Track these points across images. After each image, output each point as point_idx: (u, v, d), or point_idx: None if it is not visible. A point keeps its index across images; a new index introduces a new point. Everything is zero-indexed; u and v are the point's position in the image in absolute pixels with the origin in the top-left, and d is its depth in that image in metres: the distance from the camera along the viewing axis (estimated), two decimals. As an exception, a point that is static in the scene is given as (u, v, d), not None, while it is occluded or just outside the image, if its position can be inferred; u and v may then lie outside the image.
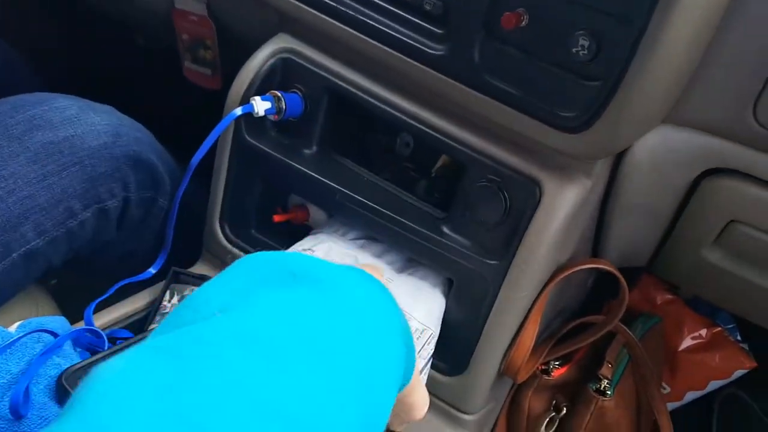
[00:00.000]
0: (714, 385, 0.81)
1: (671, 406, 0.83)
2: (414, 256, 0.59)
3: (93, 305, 0.58)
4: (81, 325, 0.56)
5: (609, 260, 0.68)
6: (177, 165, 0.71)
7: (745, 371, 0.80)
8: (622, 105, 0.43)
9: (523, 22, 0.47)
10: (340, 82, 0.60)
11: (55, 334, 0.47)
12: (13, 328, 0.50)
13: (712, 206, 0.53)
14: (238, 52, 0.75)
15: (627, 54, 0.42)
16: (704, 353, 0.79)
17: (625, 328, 0.68)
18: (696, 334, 0.79)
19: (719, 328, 0.79)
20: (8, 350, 0.45)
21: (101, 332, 0.52)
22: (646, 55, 0.41)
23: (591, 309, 0.75)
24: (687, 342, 0.79)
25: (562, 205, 0.51)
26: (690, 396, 0.82)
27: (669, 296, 0.81)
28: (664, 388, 0.82)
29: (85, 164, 0.59)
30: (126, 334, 0.60)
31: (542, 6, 0.46)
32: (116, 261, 0.69)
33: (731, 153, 0.48)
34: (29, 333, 0.46)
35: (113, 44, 1.15)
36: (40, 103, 0.59)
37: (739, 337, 0.81)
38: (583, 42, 0.44)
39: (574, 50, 0.45)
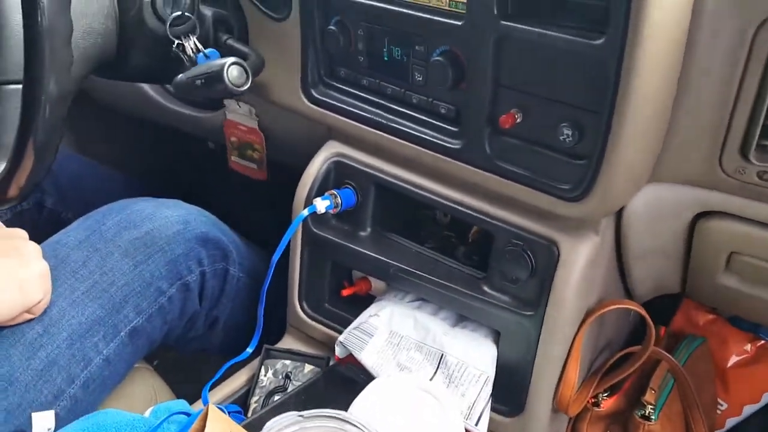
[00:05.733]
0: (769, 397, 0.85)
1: (732, 421, 0.87)
2: (462, 312, 0.70)
3: (208, 386, 0.71)
4: (199, 404, 0.69)
5: (640, 294, 0.76)
6: (240, 238, 0.84)
7: (797, 380, 0.84)
8: (607, 177, 0.53)
9: (518, 120, 0.58)
10: (383, 176, 0.73)
11: (187, 414, 0.60)
12: (147, 414, 0.63)
13: (711, 243, 0.61)
14: (284, 152, 0.90)
15: (603, 138, 0.52)
16: (752, 367, 0.84)
17: (667, 354, 0.75)
18: (741, 349, 0.84)
19: (763, 341, 0.84)
20: (154, 434, 0.57)
21: (223, 408, 0.64)
22: (617, 138, 0.51)
23: (641, 340, 0.81)
24: (734, 358, 0.85)
25: (578, 259, 0.60)
26: (748, 410, 0.86)
27: (711, 316, 0.87)
28: (721, 405, 0.87)
29: (165, 250, 0.72)
30: (234, 408, 0.73)
31: (531, 106, 0.57)
32: (204, 329, 0.82)
33: (712, 199, 0.56)
34: (169, 417, 0.58)
35: (190, 149, 1.35)
36: (123, 208, 0.74)
37: (786, 348, 0.85)
38: (567, 132, 0.55)
39: (561, 138, 0.55)
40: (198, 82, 0.63)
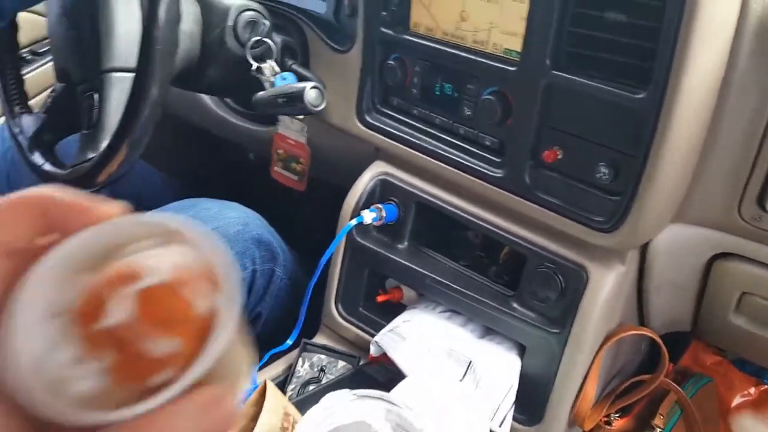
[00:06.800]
0: (768, 438, 0.90)
1: (732, 460, 0.92)
2: (491, 326, 0.76)
3: (257, 368, 0.77)
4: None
5: (654, 327, 0.81)
6: (286, 243, 0.92)
7: (796, 424, 0.89)
8: (637, 214, 0.60)
9: (559, 156, 0.65)
10: (425, 196, 0.80)
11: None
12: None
13: (725, 282, 0.67)
14: (326, 169, 0.97)
15: (636, 179, 0.59)
16: (754, 409, 0.89)
17: (676, 386, 0.81)
18: (745, 392, 0.90)
19: (766, 386, 0.89)
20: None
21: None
22: (649, 181, 0.58)
23: (650, 370, 0.87)
24: (737, 400, 0.90)
25: (605, 285, 0.67)
26: (748, 449, 0.91)
27: (717, 358, 0.93)
28: (722, 443, 0.91)
29: (226, 247, 0.80)
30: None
31: (572, 146, 0.64)
32: (247, 323, 0.89)
33: (729, 242, 0.63)
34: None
35: (232, 158, 1.43)
36: (193, 206, 0.82)
37: (787, 394, 0.90)
38: (604, 170, 0.61)
39: (597, 175, 0.62)
40: (280, 100, 0.71)
